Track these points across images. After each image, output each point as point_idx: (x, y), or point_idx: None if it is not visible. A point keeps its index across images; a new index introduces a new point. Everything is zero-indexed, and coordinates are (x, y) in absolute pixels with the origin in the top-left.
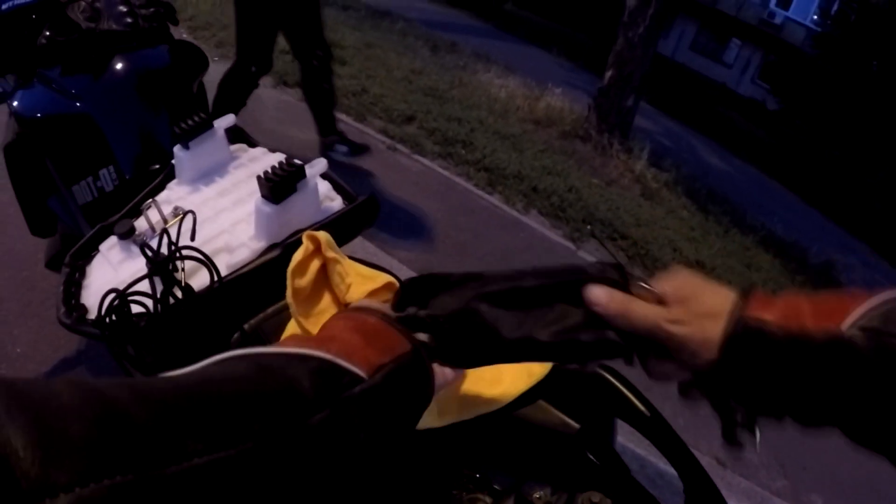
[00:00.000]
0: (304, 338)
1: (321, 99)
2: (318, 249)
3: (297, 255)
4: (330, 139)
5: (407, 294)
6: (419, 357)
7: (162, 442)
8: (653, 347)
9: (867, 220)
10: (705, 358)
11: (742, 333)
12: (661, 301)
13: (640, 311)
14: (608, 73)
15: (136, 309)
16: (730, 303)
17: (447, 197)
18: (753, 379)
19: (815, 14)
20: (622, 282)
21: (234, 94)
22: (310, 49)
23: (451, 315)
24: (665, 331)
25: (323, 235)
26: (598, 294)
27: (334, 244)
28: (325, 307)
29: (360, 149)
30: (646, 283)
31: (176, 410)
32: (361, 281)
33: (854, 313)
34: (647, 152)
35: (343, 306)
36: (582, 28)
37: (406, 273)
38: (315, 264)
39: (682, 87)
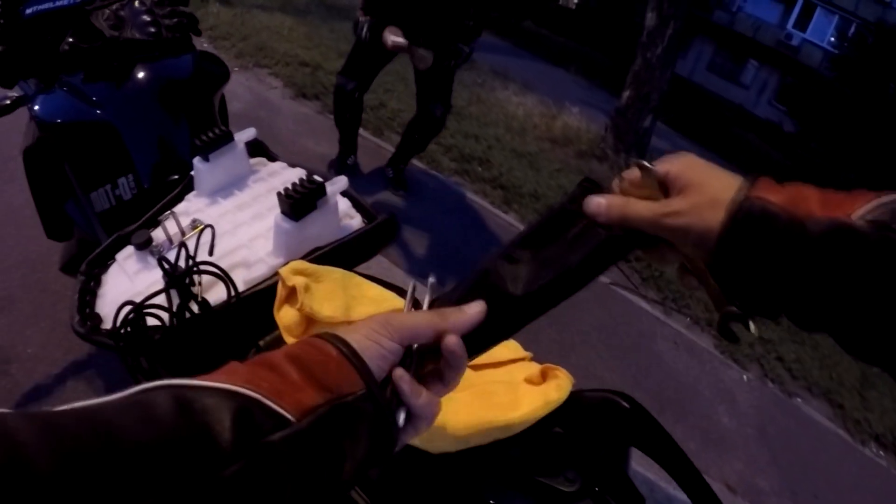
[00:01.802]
0: (240, 368)
1: (408, 141)
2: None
3: (279, 296)
4: (389, 168)
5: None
6: (373, 400)
7: (62, 499)
8: (653, 239)
9: None
10: (704, 249)
11: (744, 217)
12: (662, 183)
13: (638, 210)
14: (626, 93)
15: (151, 322)
16: (734, 189)
17: (462, 214)
18: (754, 268)
19: (832, 36)
20: (600, 188)
21: (342, 110)
22: (429, 102)
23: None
24: (664, 225)
25: (288, 268)
26: (597, 203)
27: (305, 269)
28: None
29: (400, 184)
30: (647, 163)
31: (80, 459)
32: (367, 303)
33: (863, 207)
34: None
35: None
36: (600, 47)
37: (420, 291)
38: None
39: (699, 107)
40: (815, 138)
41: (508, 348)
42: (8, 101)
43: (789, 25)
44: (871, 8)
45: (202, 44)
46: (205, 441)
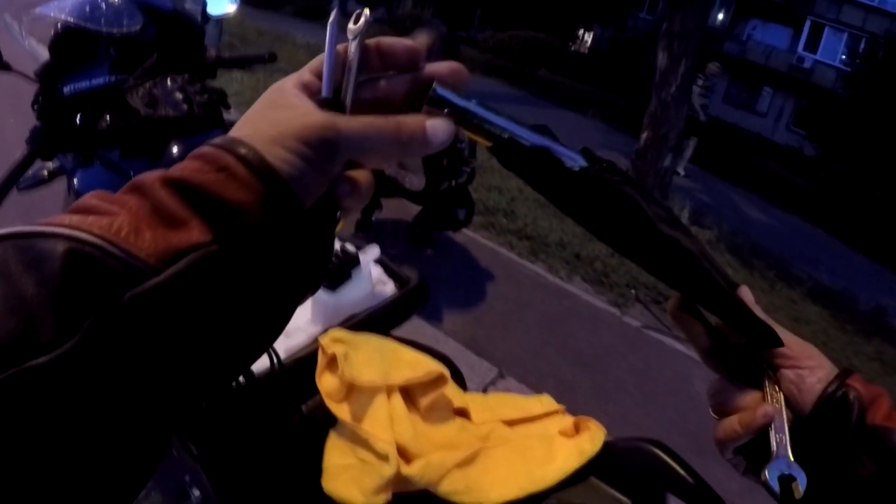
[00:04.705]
0: (90, 204)
1: (426, 228)
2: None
3: (319, 364)
4: (416, 227)
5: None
6: (278, 200)
7: None
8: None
9: None
10: (814, 380)
11: (843, 388)
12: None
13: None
14: (644, 135)
15: None
16: (836, 366)
17: (490, 267)
18: (831, 437)
19: (843, 55)
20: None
21: None
22: (453, 205)
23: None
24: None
25: (328, 337)
26: (745, 290)
27: (343, 337)
28: (369, 400)
29: (428, 242)
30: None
31: None
32: (403, 366)
33: None
34: (687, 211)
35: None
36: (616, 89)
37: (452, 346)
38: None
39: (717, 140)
40: (836, 159)
41: (542, 403)
42: (46, 173)
43: (800, 48)
44: (879, 21)
45: (227, 112)
46: (17, 320)
